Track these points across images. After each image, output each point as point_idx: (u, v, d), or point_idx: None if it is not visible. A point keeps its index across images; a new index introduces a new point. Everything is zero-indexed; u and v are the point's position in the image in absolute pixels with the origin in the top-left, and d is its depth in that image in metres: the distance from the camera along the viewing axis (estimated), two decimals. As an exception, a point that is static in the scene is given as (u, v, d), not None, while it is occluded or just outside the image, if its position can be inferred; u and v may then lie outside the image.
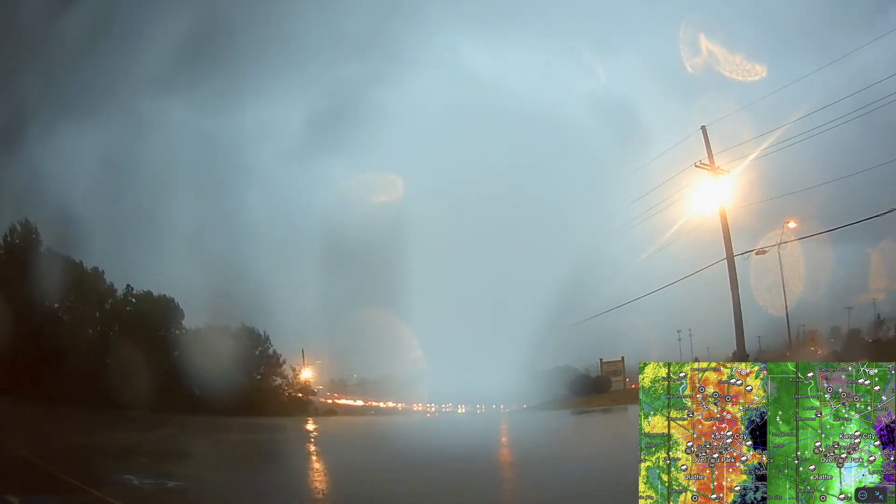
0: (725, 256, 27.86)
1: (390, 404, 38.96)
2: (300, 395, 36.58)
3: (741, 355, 26.07)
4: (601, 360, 38.16)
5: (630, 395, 29.20)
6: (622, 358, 37.36)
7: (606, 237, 31.50)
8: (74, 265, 29.32)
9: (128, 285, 30.73)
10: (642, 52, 36.20)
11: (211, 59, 32.42)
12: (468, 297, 30.22)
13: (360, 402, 39.75)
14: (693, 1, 34.96)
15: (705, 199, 28.80)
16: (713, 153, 28.76)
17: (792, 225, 28.75)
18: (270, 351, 35.34)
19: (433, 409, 36.81)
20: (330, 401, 39.36)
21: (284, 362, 35.74)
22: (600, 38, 37.18)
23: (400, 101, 34.46)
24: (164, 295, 30.92)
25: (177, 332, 31.95)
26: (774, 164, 27.57)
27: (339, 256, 31.34)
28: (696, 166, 28.78)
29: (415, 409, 37.34)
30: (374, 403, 39.10)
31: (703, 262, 28.64)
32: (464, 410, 36.18)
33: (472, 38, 36.03)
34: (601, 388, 37.88)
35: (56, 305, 28.48)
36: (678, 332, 35.61)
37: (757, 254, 28.73)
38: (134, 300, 31.22)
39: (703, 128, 28.69)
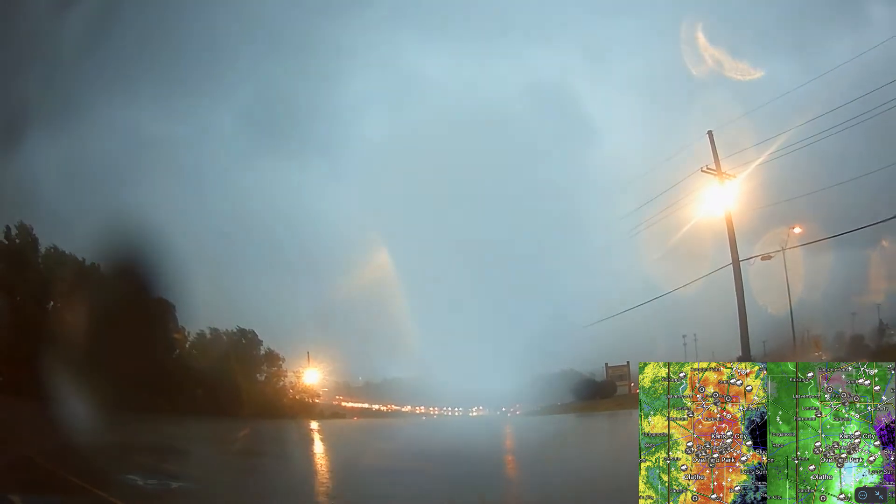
0: (731, 261, 27.79)
1: (396, 408, 38.92)
2: (307, 398, 36.63)
3: (746, 360, 25.95)
4: (606, 364, 38.03)
5: (635, 401, 29.09)
6: (627, 363, 37.23)
7: (613, 241, 31.48)
8: (74, 262, 29.47)
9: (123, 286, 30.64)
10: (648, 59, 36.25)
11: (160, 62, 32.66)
12: (473, 301, 30.21)
13: (373, 406, 39.72)
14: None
15: (712, 204, 28.76)
16: (719, 158, 28.75)
17: (797, 230, 28.67)
18: (263, 352, 35.37)
19: (441, 412, 36.72)
20: (335, 403, 39.36)
21: (283, 360, 35.82)
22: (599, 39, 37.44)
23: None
24: (161, 297, 30.95)
25: (175, 333, 32.00)
26: (780, 169, 27.54)
27: (341, 259, 31.51)
28: (702, 171, 28.74)
29: (432, 412, 37.17)
30: (395, 407, 38.97)
31: (708, 266, 28.62)
32: (476, 413, 36.02)
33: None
34: (606, 393, 37.73)
35: (55, 303, 28.60)
36: (683, 336, 35.52)
37: (762, 259, 28.67)
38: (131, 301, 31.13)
39: (709, 133, 28.68)
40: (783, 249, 28.57)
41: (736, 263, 27.69)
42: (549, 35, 36.76)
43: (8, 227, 28.80)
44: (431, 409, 36.91)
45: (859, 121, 25.33)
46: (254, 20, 35.06)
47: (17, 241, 28.98)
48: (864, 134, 25.94)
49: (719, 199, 28.43)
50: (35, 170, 28.95)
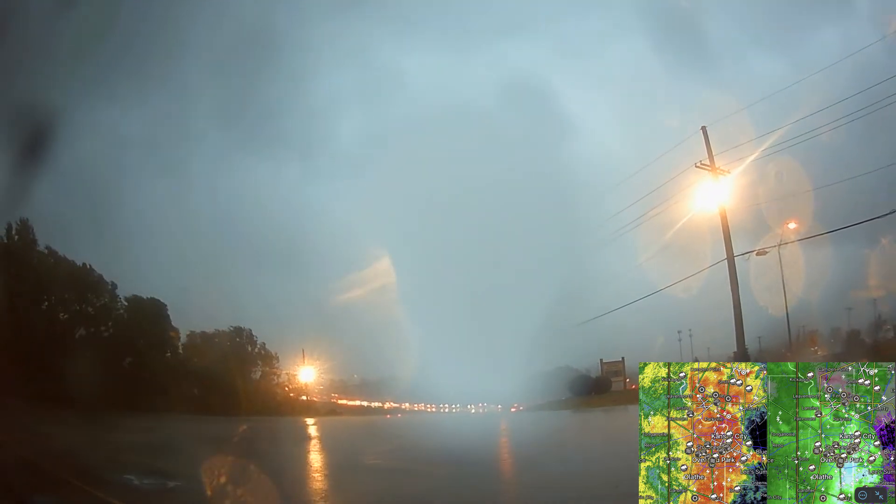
0: (726, 257, 27.83)
1: (394, 405, 38.92)
2: (303, 396, 36.68)
3: (742, 356, 26.02)
4: (601, 360, 38.19)
5: (630, 396, 29.16)
6: (622, 359, 37.40)
7: (607, 238, 31.53)
8: (70, 263, 29.36)
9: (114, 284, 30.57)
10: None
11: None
12: (468, 298, 30.21)
13: (372, 404, 39.73)
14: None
15: (706, 200, 28.78)
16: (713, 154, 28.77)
17: (792, 226, 28.75)
18: (257, 350, 35.42)
19: (438, 409, 36.72)
20: (332, 401, 39.38)
21: (278, 359, 35.88)
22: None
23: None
24: (153, 297, 30.95)
25: (171, 333, 31.97)
26: (775, 165, 27.61)
27: (336, 257, 31.48)
28: (696, 167, 28.75)
29: (429, 409, 37.16)
30: (393, 405, 38.94)
31: (703, 262, 28.67)
32: (473, 410, 36.02)
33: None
34: (601, 389, 37.89)
35: (49, 304, 28.49)
36: (678, 332, 35.67)
37: (757, 254, 28.72)
38: (125, 301, 31.11)
39: (703, 128, 28.68)
40: (778, 245, 28.68)
41: (730, 259, 27.71)
42: (535, 32, 36.87)
43: (10, 225, 28.61)
44: (429, 406, 36.94)
45: (855, 117, 25.43)
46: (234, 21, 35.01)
47: (17, 238, 28.78)
48: (861, 130, 26.03)
49: (714, 195, 28.45)
50: (26, 170, 28.81)
